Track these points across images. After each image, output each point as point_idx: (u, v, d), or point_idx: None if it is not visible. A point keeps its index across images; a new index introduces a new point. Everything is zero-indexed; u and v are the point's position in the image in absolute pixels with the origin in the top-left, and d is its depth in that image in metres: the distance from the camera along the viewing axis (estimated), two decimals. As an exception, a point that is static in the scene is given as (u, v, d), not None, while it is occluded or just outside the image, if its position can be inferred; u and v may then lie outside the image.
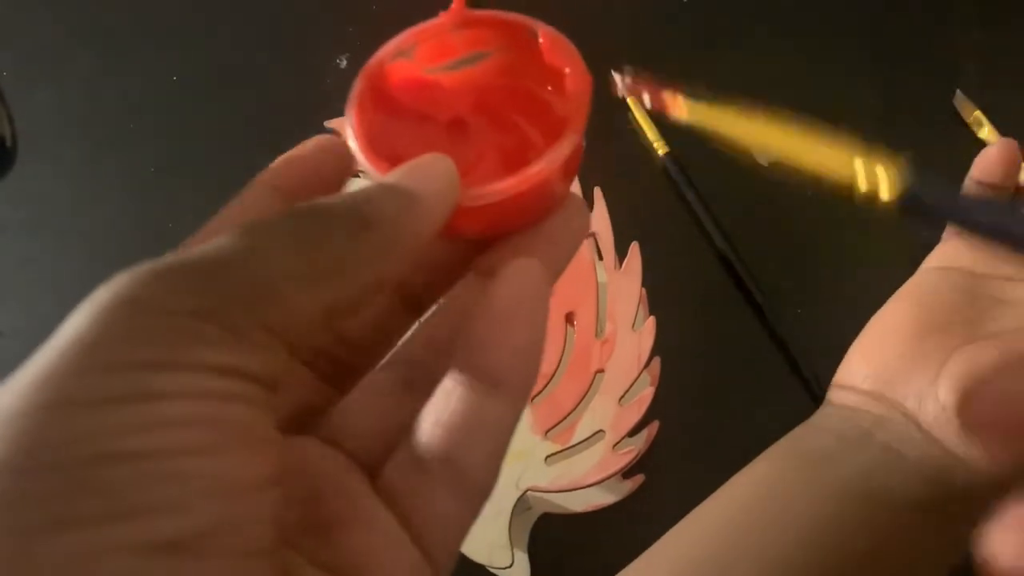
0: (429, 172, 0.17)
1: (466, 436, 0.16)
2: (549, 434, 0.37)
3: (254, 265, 0.15)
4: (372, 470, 0.17)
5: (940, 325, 0.32)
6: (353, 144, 0.19)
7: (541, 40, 0.20)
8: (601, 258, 0.40)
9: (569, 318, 0.39)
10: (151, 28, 0.47)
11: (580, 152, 0.19)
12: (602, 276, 0.40)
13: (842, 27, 0.46)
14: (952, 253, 0.36)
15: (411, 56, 0.21)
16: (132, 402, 0.13)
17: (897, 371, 0.32)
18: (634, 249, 0.40)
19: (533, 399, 0.38)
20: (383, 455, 0.17)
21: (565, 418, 0.37)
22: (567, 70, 0.20)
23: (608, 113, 0.44)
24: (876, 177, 0.19)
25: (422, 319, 0.20)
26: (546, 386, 0.38)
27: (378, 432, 0.18)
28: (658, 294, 0.40)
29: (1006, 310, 0.32)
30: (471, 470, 0.16)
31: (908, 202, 0.16)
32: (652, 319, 0.39)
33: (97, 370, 0.13)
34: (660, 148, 0.42)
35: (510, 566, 0.35)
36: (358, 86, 0.20)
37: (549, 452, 0.37)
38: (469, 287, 0.20)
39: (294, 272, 0.15)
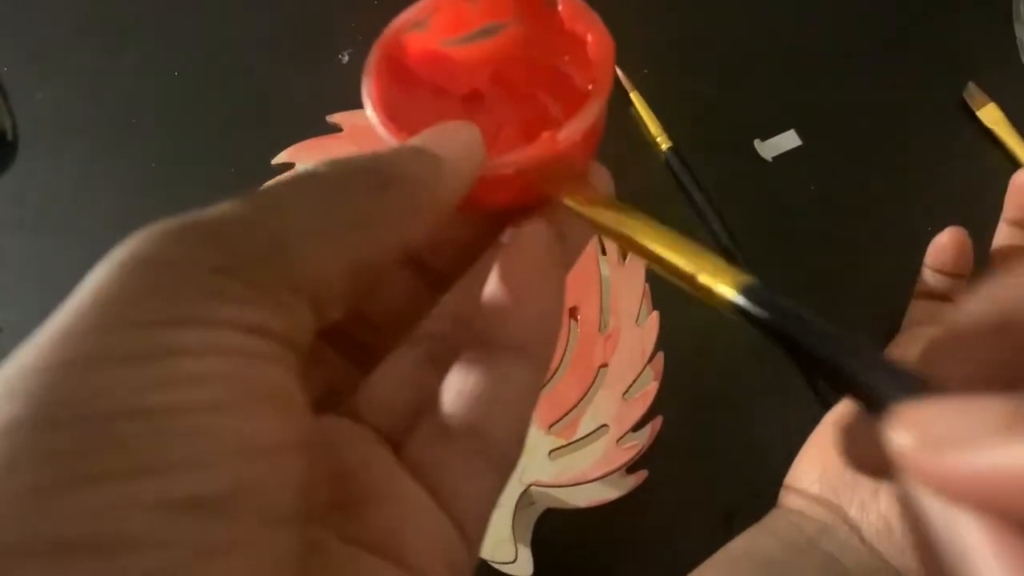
0: (454, 137, 0.17)
1: (489, 405, 0.16)
2: (553, 429, 0.37)
3: (274, 221, 0.14)
4: (398, 445, 0.17)
5: None
6: (371, 113, 0.19)
7: (561, 7, 0.20)
8: (605, 253, 0.40)
9: (573, 313, 0.39)
10: (152, 25, 0.47)
11: (603, 120, 0.19)
12: (605, 271, 0.40)
13: (850, 18, 0.45)
14: (909, 347, 0.36)
15: (426, 27, 0.20)
16: (153, 358, 0.12)
17: (842, 477, 0.32)
18: (637, 244, 0.40)
19: (536, 394, 0.38)
20: (409, 430, 0.17)
21: (568, 413, 0.37)
22: (589, 36, 0.19)
23: (612, 108, 0.44)
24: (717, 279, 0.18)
25: (447, 295, 0.20)
26: (549, 381, 0.38)
27: (404, 407, 0.18)
28: (662, 289, 0.40)
29: None
30: (496, 439, 0.16)
31: (740, 306, 0.16)
32: (656, 314, 0.39)
33: (117, 326, 0.13)
34: (663, 143, 0.42)
35: (513, 561, 0.35)
36: (374, 56, 0.19)
37: (553, 447, 0.37)
38: (492, 261, 0.19)
39: (315, 227, 0.15)
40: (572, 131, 0.18)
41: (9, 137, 0.33)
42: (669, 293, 0.40)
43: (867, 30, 0.45)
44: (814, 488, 0.32)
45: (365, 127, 0.42)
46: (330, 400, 0.18)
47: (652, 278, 0.40)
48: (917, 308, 0.38)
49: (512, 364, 0.16)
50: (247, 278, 0.14)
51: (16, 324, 0.42)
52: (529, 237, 0.16)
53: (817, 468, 0.33)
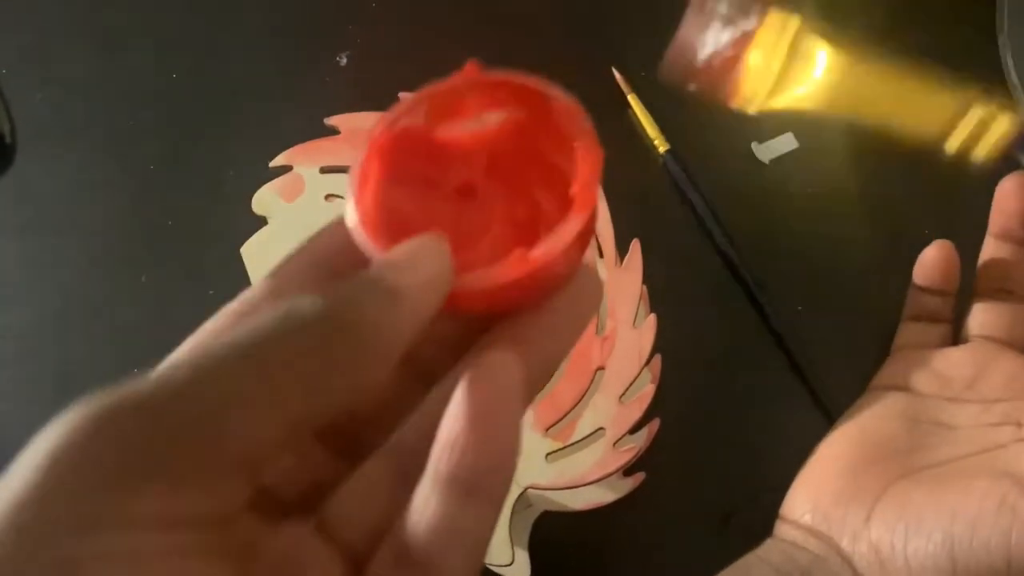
0: (421, 258, 0.16)
1: (442, 542, 0.15)
2: (550, 431, 0.37)
3: (209, 393, 0.14)
4: (361, 565, 0.17)
5: (876, 457, 0.32)
6: (351, 219, 0.18)
7: (555, 107, 0.19)
8: (602, 255, 0.40)
9: (569, 316, 0.39)
10: (150, 27, 0.47)
11: (591, 229, 0.18)
12: (603, 273, 0.40)
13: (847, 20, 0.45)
14: (899, 370, 0.36)
15: (420, 118, 0.20)
16: (63, 569, 0.12)
17: (833, 507, 0.32)
18: (635, 246, 0.40)
19: (534, 397, 0.38)
20: (373, 551, 0.17)
21: (565, 415, 0.37)
22: (576, 144, 0.19)
23: (609, 110, 0.44)
24: (985, 125, 0.18)
25: (421, 406, 0.19)
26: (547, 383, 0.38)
27: (371, 524, 0.17)
28: (659, 291, 0.40)
29: (945, 436, 0.32)
30: (447, 573, 0.15)
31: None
32: (653, 316, 0.39)
33: (31, 534, 0.12)
34: (661, 145, 0.42)
35: (510, 564, 0.35)
36: (363, 154, 0.19)
37: (549, 450, 0.37)
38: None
39: (253, 396, 0.14)
40: (547, 250, 0.17)
41: (8, 139, 0.33)
42: (666, 296, 0.40)
43: (869, 34, 0.45)
44: (806, 519, 0.32)
45: (363, 130, 0.42)
46: (316, 496, 0.18)
47: (649, 280, 0.40)
48: (906, 331, 0.37)
49: (464, 504, 0.15)
50: (172, 466, 0.13)
51: (14, 327, 0.42)
52: (490, 373, 0.15)
53: (810, 499, 0.32)
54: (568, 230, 0.17)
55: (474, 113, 0.20)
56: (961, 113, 0.24)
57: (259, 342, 0.14)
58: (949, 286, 0.36)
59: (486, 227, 0.20)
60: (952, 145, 0.25)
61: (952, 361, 0.34)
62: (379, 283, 0.16)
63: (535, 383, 0.18)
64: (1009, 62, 0.43)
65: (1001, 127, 0.24)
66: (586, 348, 0.38)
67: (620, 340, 0.39)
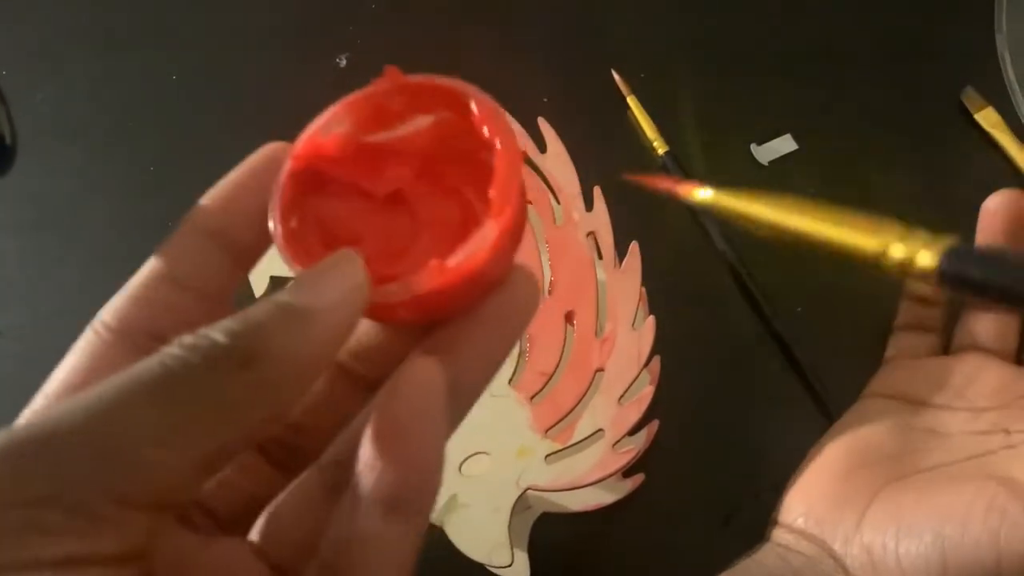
0: (332, 276, 0.16)
1: (366, 559, 0.15)
2: (549, 433, 0.37)
3: (109, 429, 0.13)
4: None
5: (868, 461, 0.32)
6: (274, 233, 0.17)
7: (474, 108, 0.19)
8: (601, 257, 0.40)
9: (569, 317, 0.39)
10: (151, 28, 0.47)
11: (518, 227, 0.18)
12: (601, 275, 0.40)
13: (847, 22, 0.45)
14: (891, 379, 0.36)
15: (345, 126, 0.19)
16: None
17: (826, 511, 0.32)
18: (634, 248, 0.40)
19: (533, 398, 0.38)
20: (301, 567, 0.16)
21: (565, 417, 0.37)
22: (497, 145, 0.18)
23: (608, 112, 0.44)
24: (912, 246, 0.18)
25: (353, 420, 0.18)
26: (546, 385, 0.38)
27: (301, 541, 0.17)
28: (658, 293, 0.40)
29: (936, 443, 0.33)
30: None
31: (948, 268, 0.15)
32: (652, 318, 0.39)
33: None
34: (660, 147, 0.42)
35: (510, 565, 0.35)
36: (285, 168, 0.18)
37: (549, 451, 0.37)
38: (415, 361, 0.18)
39: (156, 435, 0.13)
40: (465, 257, 0.16)
41: (8, 140, 0.33)
42: (665, 297, 0.40)
43: (863, 33, 0.45)
44: (800, 523, 0.32)
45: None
46: (254, 509, 0.18)
47: (648, 281, 0.40)
48: (898, 340, 0.37)
49: (386, 519, 0.15)
50: (71, 505, 0.13)
51: (15, 327, 0.42)
52: (408, 383, 0.15)
53: (803, 503, 0.33)
54: (486, 235, 0.17)
55: (399, 119, 0.20)
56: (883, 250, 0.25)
57: (162, 380, 0.14)
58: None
59: (418, 234, 0.19)
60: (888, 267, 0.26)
61: (943, 370, 0.35)
62: (287, 307, 0.15)
63: (466, 393, 0.17)
64: (1007, 61, 0.43)
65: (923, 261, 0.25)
66: (585, 350, 0.38)
67: (619, 342, 0.39)
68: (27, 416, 0.17)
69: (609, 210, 0.41)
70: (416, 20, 0.46)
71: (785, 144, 0.43)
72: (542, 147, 0.42)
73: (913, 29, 0.45)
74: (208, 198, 0.19)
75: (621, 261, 0.40)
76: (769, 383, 0.39)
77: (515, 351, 0.39)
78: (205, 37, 0.47)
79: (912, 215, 0.42)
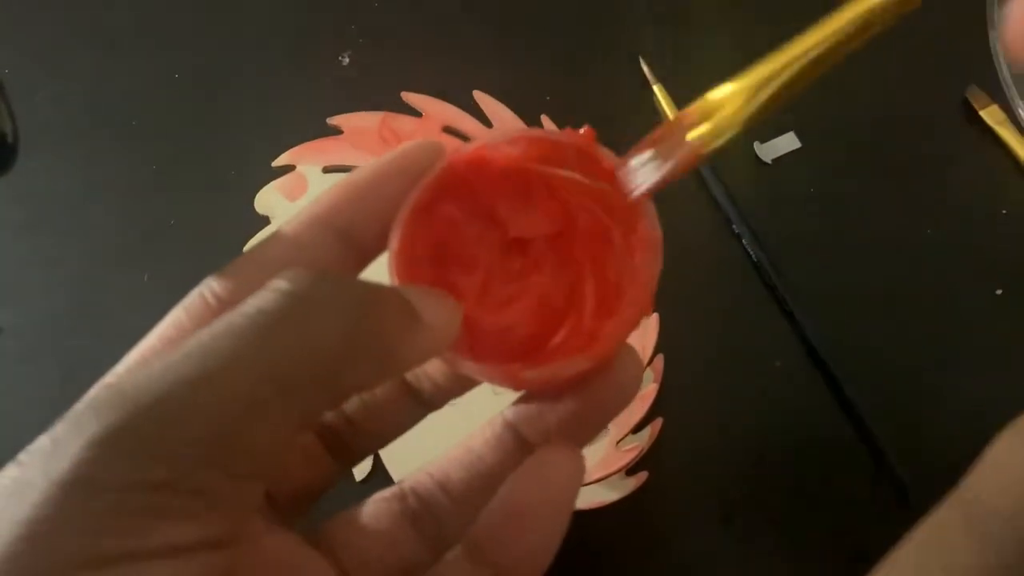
0: (442, 306, 0.16)
1: None
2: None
3: (222, 406, 0.13)
4: None
5: None
6: (393, 241, 0.17)
7: (634, 203, 0.19)
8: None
9: (572, 315, 0.39)
10: (152, 27, 0.47)
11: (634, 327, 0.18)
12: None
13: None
14: None
15: (516, 151, 0.19)
16: None
17: None
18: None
19: (536, 397, 0.38)
20: None
21: (568, 415, 0.37)
22: (639, 242, 0.18)
23: (631, 99, 0.44)
24: None
25: (437, 459, 0.18)
26: (549, 383, 0.38)
27: (369, 555, 0.17)
28: (661, 290, 0.40)
29: None
30: None
31: None
32: (655, 315, 0.39)
33: (45, 567, 0.12)
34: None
35: (514, 564, 0.35)
36: (436, 168, 0.18)
37: (552, 450, 0.37)
38: (495, 439, 0.18)
39: (267, 402, 0.13)
40: (602, 347, 0.17)
41: (9, 139, 0.33)
42: (668, 294, 0.40)
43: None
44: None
45: (365, 129, 0.42)
46: (307, 498, 0.18)
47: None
48: None
49: None
50: (191, 487, 0.13)
51: (16, 326, 0.41)
52: (549, 467, 0.15)
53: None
54: (622, 326, 0.17)
55: (563, 164, 0.19)
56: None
57: (278, 330, 0.13)
58: None
59: (519, 293, 0.19)
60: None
61: None
62: (405, 302, 0.15)
63: None
64: (1000, 57, 0.43)
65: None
66: (589, 348, 0.38)
67: (623, 340, 0.38)
68: (128, 371, 0.16)
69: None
70: (418, 18, 0.46)
71: (788, 142, 0.43)
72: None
73: (916, 27, 0.45)
74: (341, 190, 0.17)
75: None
76: (773, 381, 0.39)
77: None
78: (206, 36, 0.47)
79: (916, 213, 0.42)
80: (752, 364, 0.39)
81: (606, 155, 0.18)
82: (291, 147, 0.42)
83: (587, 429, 0.18)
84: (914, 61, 0.44)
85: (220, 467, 0.13)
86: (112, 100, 0.45)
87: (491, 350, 0.17)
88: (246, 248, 0.41)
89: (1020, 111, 0.42)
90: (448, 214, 0.18)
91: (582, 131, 0.18)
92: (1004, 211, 0.41)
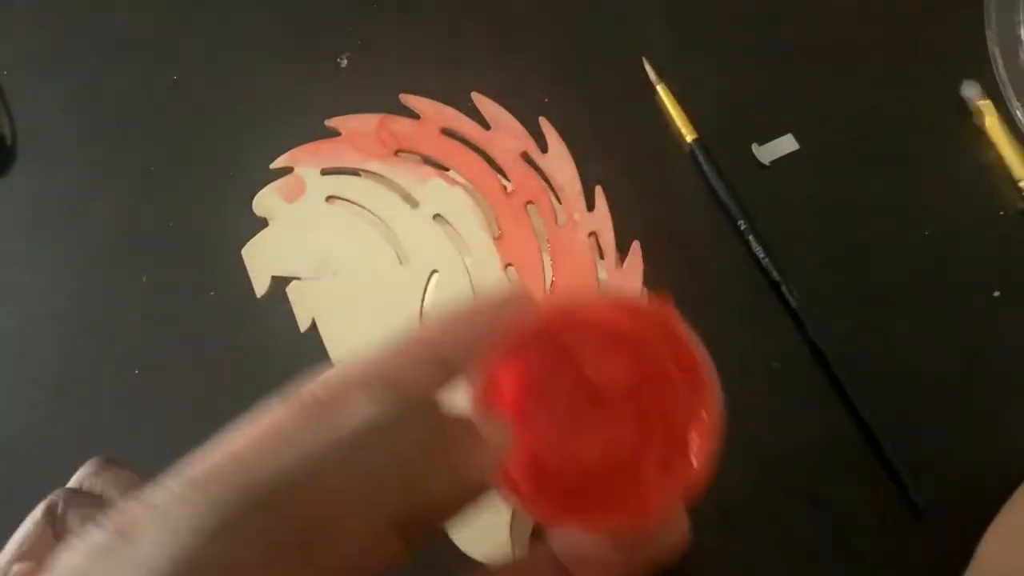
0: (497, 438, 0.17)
1: None
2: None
3: (314, 502, 0.14)
4: None
5: None
6: (477, 383, 0.18)
7: (703, 379, 0.20)
8: (602, 257, 0.40)
9: (570, 317, 0.39)
10: (151, 28, 0.47)
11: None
12: (603, 275, 0.40)
13: (846, 20, 0.45)
14: None
15: (601, 304, 0.20)
16: None
17: None
18: (635, 248, 0.40)
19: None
20: None
21: (567, 417, 0.37)
22: (703, 411, 0.19)
23: (633, 100, 0.44)
24: None
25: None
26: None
27: None
28: (662, 289, 0.40)
29: None
30: None
31: None
32: (653, 317, 0.39)
33: None
34: (688, 135, 0.42)
35: (512, 565, 0.35)
36: (528, 316, 0.19)
37: (551, 451, 0.37)
38: (542, 568, 0.19)
39: (364, 504, 0.14)
40: (661, 505, 0.18)
41: (8, 142, 0.33)
42: (669, 295, 0.40)
43: (863, 31, 0.45)
44: None
45: (363, 131, 0.42)
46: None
47: (650, 282, 0.40)
48: None
49: None
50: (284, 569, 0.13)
51: (15, 326, 0.42)
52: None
53: None
54: (678, 495, 0.18)
55: (643, 332, 0.20)
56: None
57: (363, 448, 0.15)
58: None
59: (591, 434, 0.20)
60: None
61: None
62: (472, 425, 0.17)
63: None
64: (997, 57, 0.43)
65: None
66: (587, 349, 0.38)
67: (621, 341, 0.38)
68: (234, 460, 0.16)
69: (611, 210, 0.41)
70: (416, 20, 0.46)
71: (787, 144, 0.43)
72: (543, 147, 0.42)
73: (913, 27, 0.45)
74: (442, 323, 0.19)
75: (623, 261, 0.40)
76: (773, 381, 0.39)
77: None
78: (205, 37, 0.47)
79: (914, 214, 0.42)
80: (752, 364, 0.39)
81: (684, 331, 0.20)
82: (289, 149, 0.42)
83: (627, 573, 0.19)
84: (910, 62, 0.44)
85: (314, 560, 0.14)
86: (111, 101, 0.45)
87: (554, 489, 0.18)
88: (243, 250, 0.41)
89: (1017, 112, 0.42)
90: (530, 357, 0.20)
91: (664, 304, 0.20)
92: (1002, 212, 0.41)
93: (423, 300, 0.40)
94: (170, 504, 0.14)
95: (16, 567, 0.29)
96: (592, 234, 0.41)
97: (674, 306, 0.19)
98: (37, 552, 0.30)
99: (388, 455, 0.15)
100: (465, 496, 0.17)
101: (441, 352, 0.18)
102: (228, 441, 0.17)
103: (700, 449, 0.18)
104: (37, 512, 0.30)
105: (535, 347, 0.19)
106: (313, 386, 0.17)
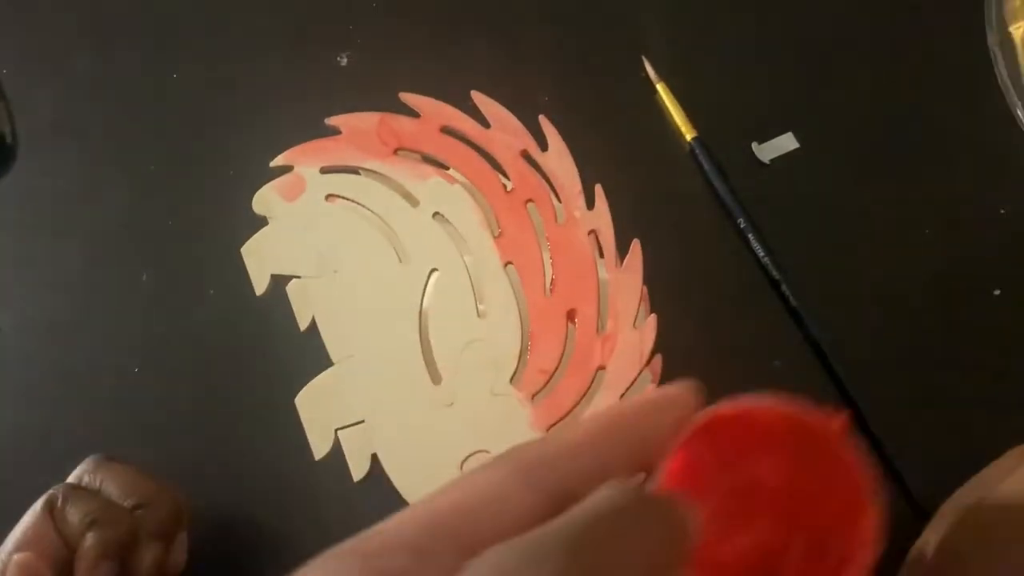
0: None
1: None
2: (550, 431, 0.37)
3: (632, 571, 0.15)
4: None
5: None
6: (668, 466, 0.19)
7: (867, 502, 0.19)
8: (602, 255, 0.40)
9: (570, 315, 0.39)
10: (151, 27, 0.47)
11: None
12: (603, 273, 0.40)
13: (847, 20, 0.45)
14: None
15: (772, 416, 0.20)
16: None
17: None
18: (635, 246, 0.40)
19: (534, 397, 0.38)
20: None
21: (567, 415, 0.37)
22: (861, 529, 0.19)
23: (633, 99, 0.44)
24: None
25: None
26: (547, 383, 0.38)
27: None
28: (660, 291, 0.40)
29: None
30: None
31: None
32: (654, 316, 0.39)
33: None
34: (688, 133, 0.42)
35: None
36: (692, 425, 0.19)
37: (551, 449, 0.37)
38: None
39: None
40: None
41: (9, 140, 0.33)
42: (667, 295, 0.40)
43: (864, 31, 0.45)
44: None
45: (363, 130, 0.42)
46: None
47: (650, 280, 0.40)
48: None
49: None
50: None
51: (15, 326, 0.42)
52: None
53: None
54: None
55: (816, 447, 0.20)
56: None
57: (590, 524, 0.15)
58: None
59: (740, 530, 0.20)
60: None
61: None
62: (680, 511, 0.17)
63: None
64: (998, 58, 0.43)
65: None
66: (587, 348, 0.38)
67: (621, 340, 0.38)
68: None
69: (611, 208, 0.41)
70: (416, 19, 0.46)
71: (787, 142, 0.43)
72: (543, 145, 0.42)
73: (913, 27, 0.45)
74: (639, 406, 0.19)
75: (623, 259, 0.40)
76: (773, 382, 0.39)
77: (517, 349, 0.39)
78: (205, 36, 0.47)
79: (914, 213, 0.42)
80: (752, 363, 0.39)
81: (851, 449, 0.20)
82: (289, 147, 0.42)
83: None
84: (911, 62, 0.44)
85: None
86: (111, 100, 0.45)
87: None
88: (243, 248, 0.41)
89: (1019, 112, 0.42)
90: (699, 451, 0.20)
91: (837, 420, 0.20)
92: (1002, 211, 0.41)
93: (423, 298, 0.40)
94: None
95: (16, 556, 0.29)
96: (592, 232, 0.41)
97: (845, 420, 0.19)
98: (36, 543, 0.30)
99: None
100: None
101: (605, 461, 0.18)
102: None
103: (855, 565, 0.19)
104: (37, 505, 0.31)
105: (703, 445, 0.20)
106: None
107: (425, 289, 0.40)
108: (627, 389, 0.38)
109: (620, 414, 0.19)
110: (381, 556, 0.15)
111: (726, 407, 0.20)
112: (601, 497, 0.16)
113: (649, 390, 0.25)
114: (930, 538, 0.33)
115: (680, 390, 0.19)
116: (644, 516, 0.16)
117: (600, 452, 0.18)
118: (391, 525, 0.16)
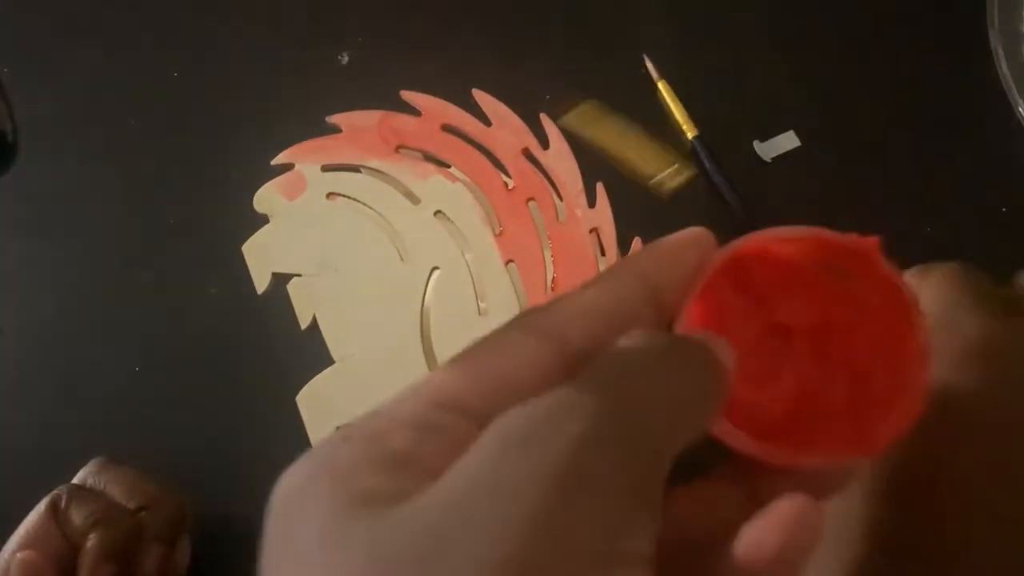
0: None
1: None
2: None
3: (669, 416, 0.14)
4: None
5: None
6: (685, 318, 0.17)
7: (914, 317, 0.18)
8: (603, 253, 0.40)
9: (572, 314, 0.39)
10: (151, 26, 0.47)
11: None
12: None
13: (847, 20, 0.45)
14: None
15: (795, 247, 0.19)
16: None
17: None
18: (636, 245, 0.40)
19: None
20: None
21: (568, 414, 0.37)
22: (911, 349, 0.18)
23: (633, 97, 0.44)
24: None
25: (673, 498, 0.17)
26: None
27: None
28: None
29: None
30: None
31: None
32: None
33: (558, 559, 0.12)
34: (689, 131, 0.42)
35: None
36: (724, 252, 0.18)
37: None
38: (731, 500, 0.18)
39: (674, 417, 0.14)
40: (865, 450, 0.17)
41: (9, 139, 0.33)
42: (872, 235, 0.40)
43: (864, 31, 0.45)
44: None
45: (365, 128, 0.42)
46: None
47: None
48: None
49: None
50: (648, 500, 0.13)
51: (16, 325, 0.41)
52: (790, 520, 0.15)
53: None
54: (895, 434, 0.17)
55: (842, 272, 0.19)
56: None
57: (668, 367, 0.15)
58: None
59: (781, 372, 0.19)
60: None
61: None
62: (716, 350, 0.16)
63: None
64: (1000, 54, 0.43)
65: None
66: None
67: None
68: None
69: (612, 206, 0.41)
70: (417, 17, 0.46)
71: (788, 141, 0.43)
72: (544, 143, 0.42)
73: (914, 25, 0.45)
74: (649, 253, 0.18)
75: (623, 256, 0.40)
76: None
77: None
78: (205, 36, 0.46)
79: (915, 211, 0.42)
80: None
81: (887, 266, 0.19)
82: (290, 145, 0.42)
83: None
84: (914, 60, 0.44)
85: (658, 483, 0.14)
86: (112, 100, 0.45)
87: (743, 424, 0.17)
88: (244, 247, 0.41)
89: (1020, 110, 0.42)
90: (724, 294, 0.19)
91: (868, 239, 0.19)
92: (1004, 209, 0.41)
93: (424, 296, 0.40)
94: (536, 424, 0.13)
95: (19, 555, 0.29)
96: (593, 230, 0.41)
97: (877, 240, 0.19)
98: (40, 543, 0.30)
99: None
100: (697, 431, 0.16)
101: (654, 283, 0.17)
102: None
103: (909, 396, 0.17)
104: (41, 506, 0.31)
105: (728, 283, 0.19)
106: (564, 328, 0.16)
107: (426, 287, 0.40)
108: (629, 387, 0.38)
109: (633, 263, 0.17)
110: (384, 437, 0.14)
111: (747, 243, 0.18)
112: (625, 346, 0.15)
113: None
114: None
115: (694, 231, 0.18)
116: (674, 359, 0.15)
117: (616, 304, 0.16)
118: (393, 404, 0.15)
